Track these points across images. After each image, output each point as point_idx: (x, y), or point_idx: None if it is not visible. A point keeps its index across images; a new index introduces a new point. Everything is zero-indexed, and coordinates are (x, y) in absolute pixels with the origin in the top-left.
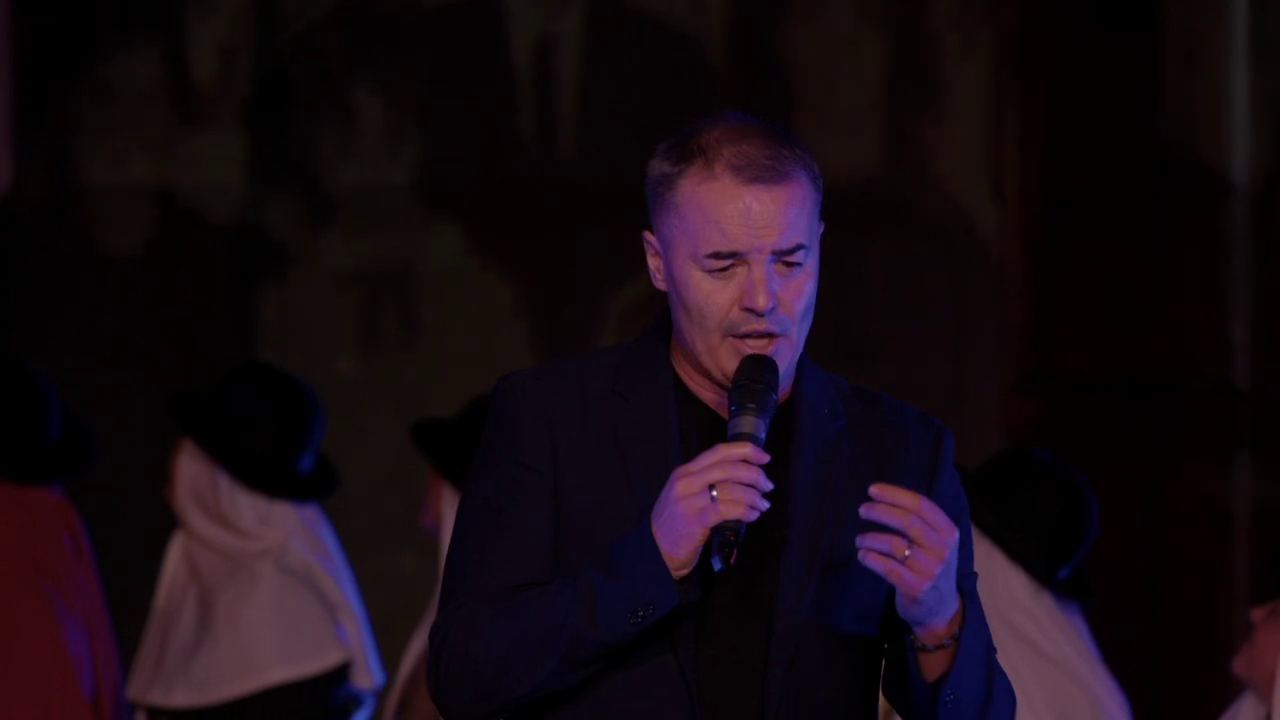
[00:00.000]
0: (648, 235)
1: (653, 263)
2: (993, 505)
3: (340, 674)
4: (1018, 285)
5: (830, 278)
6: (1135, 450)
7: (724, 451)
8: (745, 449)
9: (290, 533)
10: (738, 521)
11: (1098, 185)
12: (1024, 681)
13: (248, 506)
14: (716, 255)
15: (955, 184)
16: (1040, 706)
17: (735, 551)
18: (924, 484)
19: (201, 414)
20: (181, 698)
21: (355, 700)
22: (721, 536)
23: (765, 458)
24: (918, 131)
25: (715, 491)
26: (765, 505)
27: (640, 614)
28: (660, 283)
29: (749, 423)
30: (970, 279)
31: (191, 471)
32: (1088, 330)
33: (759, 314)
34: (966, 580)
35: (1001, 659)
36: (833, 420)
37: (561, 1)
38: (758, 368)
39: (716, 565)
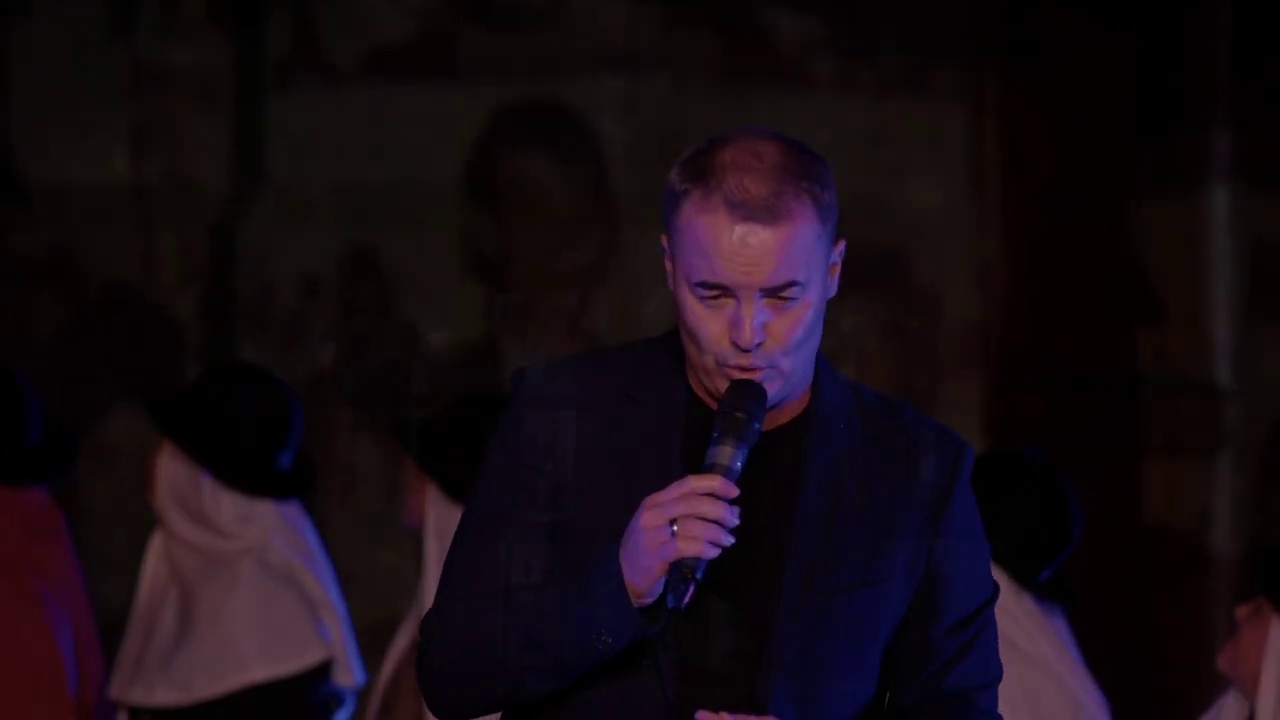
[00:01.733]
0: (664, 239)
1: (667, 265)
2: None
3: (321, 672)
4: (1009, 284)
5: None
6: (1124, 450)
7: (692, 484)
8: (714, 483)
9: (271, 531)
10: (696, 559)
11: (1095, 184)
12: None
13: (229, 506)
14: (705, 285)
15: (946, 181)
16: (1019, 705)
17: (692, 589)
18: (935, 504)
19: (181, 415)
20: (163, 697)
21: (336, 698)
22: (678, 574)
23: (734, 491)
24: (904, 127)
25: (676, 527)
26: (729, 541)
27: (605, 638)
28: (672, 285)
29: (725, 454)
30: (962, 278)
31: (172, 472)
32: (1079, 330)
33: (744, 349)
34: (981, 618)
35: None
36: (846, 436)
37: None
38: (743, 396)
39: (670, 602)
